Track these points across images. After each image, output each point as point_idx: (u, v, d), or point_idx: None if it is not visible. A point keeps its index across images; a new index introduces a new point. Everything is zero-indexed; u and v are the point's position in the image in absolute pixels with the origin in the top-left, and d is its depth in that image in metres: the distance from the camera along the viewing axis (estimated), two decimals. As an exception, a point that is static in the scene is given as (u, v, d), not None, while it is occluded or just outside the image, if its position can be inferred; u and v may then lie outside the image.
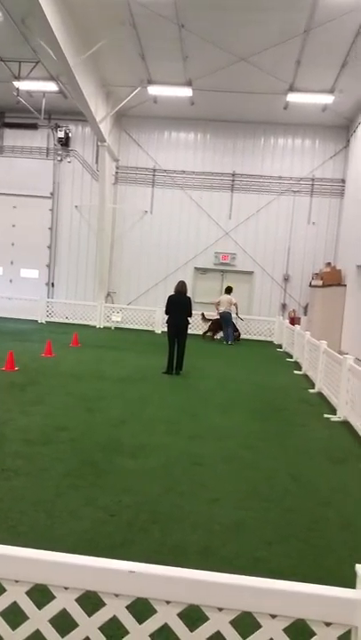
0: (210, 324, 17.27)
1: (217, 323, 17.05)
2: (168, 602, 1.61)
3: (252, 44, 13.28)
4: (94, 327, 18.33)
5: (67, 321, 18.62)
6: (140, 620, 1.65)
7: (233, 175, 19.48)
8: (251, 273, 19.69)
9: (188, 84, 15.65)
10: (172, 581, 1.59)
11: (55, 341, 12.81)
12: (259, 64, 14.17)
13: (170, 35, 13.13)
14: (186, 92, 15.99)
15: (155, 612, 1.64)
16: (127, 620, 1.65)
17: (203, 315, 17.46)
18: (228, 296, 16.78)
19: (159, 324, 17.93)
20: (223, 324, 16.75)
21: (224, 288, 17.78)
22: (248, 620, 1.62)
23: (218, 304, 16.70)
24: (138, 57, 14.58)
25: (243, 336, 17.36)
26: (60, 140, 19.68)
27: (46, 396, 7.87)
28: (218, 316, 16.92)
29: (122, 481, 4.82)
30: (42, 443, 5.73)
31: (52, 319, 18.77)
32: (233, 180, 19.51)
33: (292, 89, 15.49)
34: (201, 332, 17.28)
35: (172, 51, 13.98)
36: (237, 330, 17.08)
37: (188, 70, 15.05)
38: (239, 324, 17.26)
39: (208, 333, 17.19)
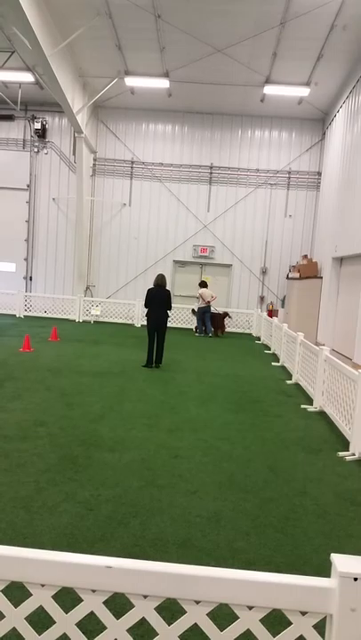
0: (212, 319, 17.07)
1: (219, 317, 17.07)
2: (145, 596, 1.62)
3: (229, 36, 13.25)
4: (73, 321, 18.20)
5: (45, 315, 18.48)
6: (120, 614, 1.66)
7: (211, 167, 19.46)
8: (229, 266, 19.75)
9: (166, 75, 15.56)
10: (148, 575, 1.60)
11: (34, 336, 12.69)
12: (236, 56, 14.16)
13: (146, 25, 13.02)
14: (163, 83, 15.89)
15: (133, 606, 1.65)
16: (104, 615, 1.65)
17: (193, 310, 17.42)
18: (208, 289, 16.90)
19: (139, 317, 17.90)
20: (203, 317, 16.80)
21: (199, 282, 17.72)
22: (225, 612, 1.64)
23: (202, 295, 16.77)
24: (115, 47, 14.43)
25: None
26: (36, 131, 19.40)
27: (24, 391, 7.80)
28: (218, 311, 17.10)
29: (101, 475, 4.82)
30: (20, 438, 5.69)
31: (31, 313, 18.57)
32: (211, 173, 19.49)
33: (268, 81, 15.51)
34: (193, 327, 17.36)
35: (148, 42, 13.86)
36: (224, 314, 17.20)
37: (165, 61, 14.95)
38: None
39: (218, 332, 17.01)
